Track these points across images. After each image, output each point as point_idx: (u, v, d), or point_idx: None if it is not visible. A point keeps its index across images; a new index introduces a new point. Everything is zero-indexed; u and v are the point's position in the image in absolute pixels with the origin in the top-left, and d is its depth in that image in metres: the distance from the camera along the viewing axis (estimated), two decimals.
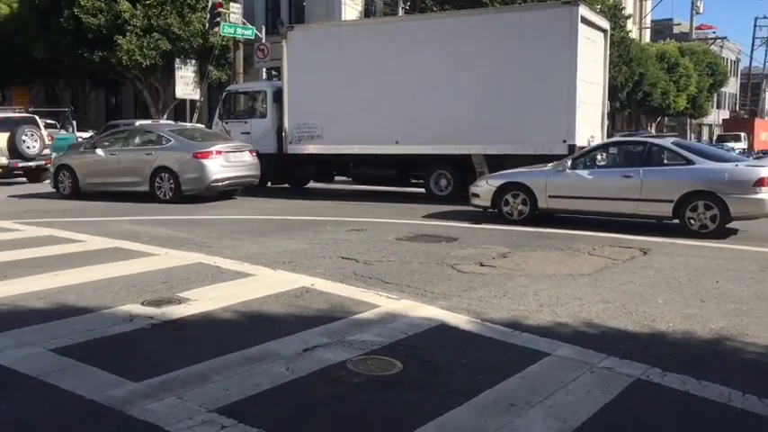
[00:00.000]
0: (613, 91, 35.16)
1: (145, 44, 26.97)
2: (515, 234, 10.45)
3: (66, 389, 4.27)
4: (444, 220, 11.81)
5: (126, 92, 36.83)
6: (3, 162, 18.38)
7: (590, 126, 14.68)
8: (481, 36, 14.50)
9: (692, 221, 10.53)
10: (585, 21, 14.13)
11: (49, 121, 24.78)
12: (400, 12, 30.80)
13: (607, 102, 16.19)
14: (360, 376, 4.61)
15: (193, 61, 28.30)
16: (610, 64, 17.14)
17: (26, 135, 18.63)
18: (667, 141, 11.34)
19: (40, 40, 28.20)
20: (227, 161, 14.71)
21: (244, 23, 24.51)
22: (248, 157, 15.38)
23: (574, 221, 11.78)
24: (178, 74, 27.66)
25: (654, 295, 6.84)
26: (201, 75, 28.14)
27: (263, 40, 26.29)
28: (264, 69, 27.54)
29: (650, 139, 11.51)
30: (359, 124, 14.92)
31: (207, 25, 25.31)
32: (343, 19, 29.19)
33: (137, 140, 15.57)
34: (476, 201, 12.36)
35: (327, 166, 17.17)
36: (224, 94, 18.44)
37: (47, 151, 19.05)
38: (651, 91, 44.13)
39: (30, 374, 4.50)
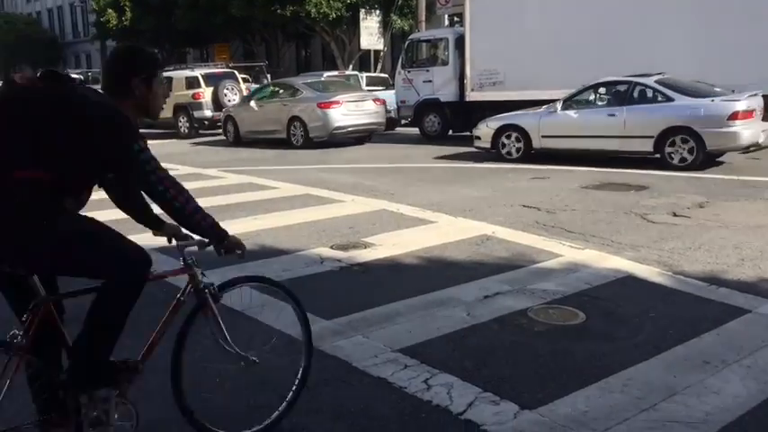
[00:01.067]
0: None
1: None
2: (714, 183, 9.68)
3: (265, 322, 4.64)
4: (633, 167, 11.19)
5: (315, 44, 38.32)
6: (207, 114, 20.00)
7: None
8: None
9: (672, 156, 10.95)
10: None
11: (243, 76, 26.53)
12: None
13: None
14: (541, 325, 4.58)
15: (377, 11, 28.73)
16: None
17: (227, 89, 20.09)
18: (651, 80, 11.41)
19: None
20: (348, 110, 15.83)
21: None
22: (372, 106, 16.39)
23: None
24: (363, 24, 28.23)
25: None
26: (385, 25, 28.55)
27: None
28: (447, 16, 27.31)
29: (635, 78, 11.61)
30: (543, 68, 14.33)
31: None
32: None
33: (280, 93, 17.38)
34: (477, 143, 13.09)
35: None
36: (406, 43, 18.58)
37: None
38: None
39: (234, 308, 4.94)
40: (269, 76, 26.55)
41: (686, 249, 6.25)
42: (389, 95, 19.06)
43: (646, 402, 3.48)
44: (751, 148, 10.96)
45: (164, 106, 3.11)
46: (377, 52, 29.51)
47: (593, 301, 4.98)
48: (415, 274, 5.81)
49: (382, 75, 25.68)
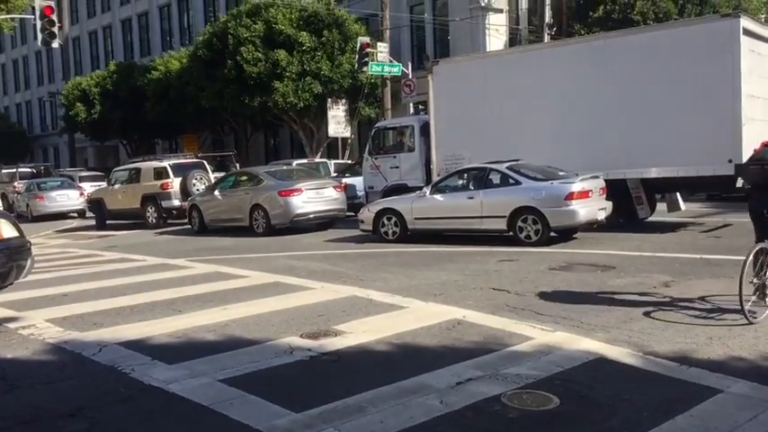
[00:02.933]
0: None
1: (300, 87, 28.49)
2: (679, 261, 9.85)
3: (235, 418, 4.51)
4: (598, 249, 11.37)
5: (283, 134, 38.91)
6: (176, 204, 19.99)
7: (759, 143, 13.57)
8: (634, 56, 13.91)
9: (521, 232, 12.11)
10: (749, 33, 13.18)
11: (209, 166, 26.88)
12: (546, 38, 30.38)
13: None
14: (515, 411, 4.52)
15: (344, 100, 29.47)
16: None
17: (195, 179, 20.18)
18: (503, 166, 12.79)
19: (207, 90, 30.60)
20: (309, 197, 16.33)
21: (391, 61, 25.24)
22: (333, 192, 16.93)
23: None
24: (330, 113, 28.89)
25: None
26: (352, 113, 29.23)
27: (410, 76, 26.90)
28: (412, 104, 28.13)
29: (489, 165, 13.00)
30: (507, 154, 14.73)
31: (356, 66, 26.33)
32: (488, 50, 29.23)
33: (243, 182, 17.89)
34: (362, 226, 14.28)
35: None
36: (373, 130, 18.97)
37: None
38: None
39: (202, 403, 4.81)
40: (237, 165, 26.80)
41: (655, 329, 6.29)
42: (358, 181, 19.33)
43: None
44: (594, 225, 12.45)
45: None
46: (344, 140, 30.08)
47: (566, 385, 4.95)
48: (387, 362, 5.73)
49: (349, 161, 26.10)
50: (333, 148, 31.71)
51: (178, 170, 20.37)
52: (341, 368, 5.61)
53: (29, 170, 36.07)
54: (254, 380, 5.28)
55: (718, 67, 12.87)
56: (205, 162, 22.08)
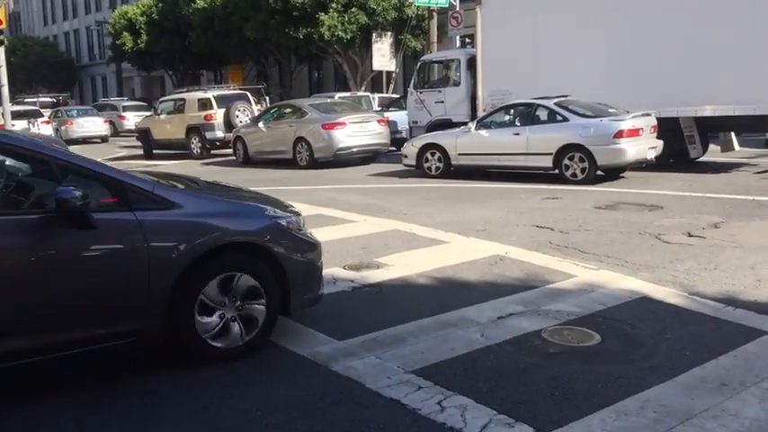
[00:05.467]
0: None
1: (345, 19, 28.06)
2: (729, 202, 9.61)
3: (280, 344, 4.63)
4: (647, 188, 11.14)
5: (327, 66, 38.59)
6: (219, 135, 20.21)
7: None
8: None
9: (567, 170, 11.94)
10: None
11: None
12: None
13: None
14: (555, 346, 4.54)
15: (389, 33, 28.94)
16: None
17: (239, 110, 20.31)
18: (550, 102, 12.49)
19: (251, 20, 30.36)
20: (353, 131, 16.18)
21: None
22: (376, 127, 16.77)
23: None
24: (375, 46, 28.44)
25: None
26: (397, 46, 28.73)
27: (457, 8, 26.17)
28: (458, 37, 27.46)
29: (536, 101, 12.71)
30: (555, 91, 14.38)
31: None
32: None
33: (287, 114, 17.84)
34: (405, 161, 14.18)
35: None
36: (418, 64, 18.67)
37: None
38: None
39: None
40: (268, 98, 26.73)
41: (701, 270, 6.20)
42: (401, 116, 19.16)
43: (663, 425, 3.44)
44: (644, 164, 12.19)
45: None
46: (389, 73, 29.68)
47: (608, 323, 4.94)
48: (428, 295, 5.78)
49: (394, 95, 25.81)
50: (377, 81, 31.34)
51: (222, 101, 20.49)
52: (383, 299, 5.68)
53: (49, 100, 38.36)
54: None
55: None
56: (248, 93, 22.12)
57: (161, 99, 24.57)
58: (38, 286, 3.79)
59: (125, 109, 35.73)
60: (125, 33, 40.83)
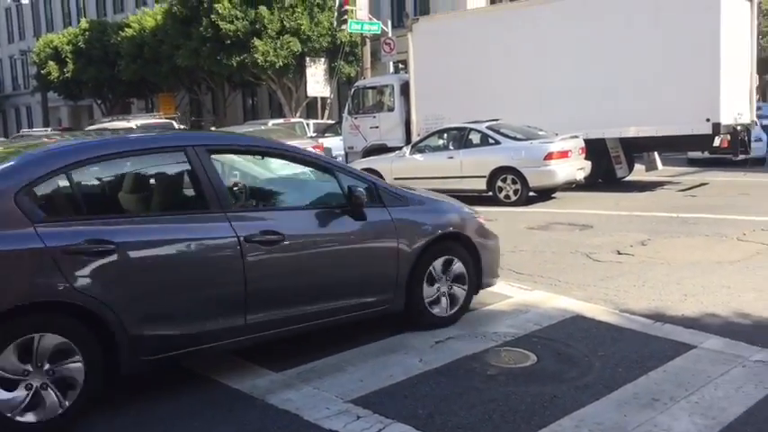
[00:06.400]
0: (763, 64, 32.52)
1: (278, 46, 28.05)
2: (655, 220, 9.95)
3: (214, 378, 4.52)
4: (577, 208, 11.44)
5: (261, 93, 38.43)
6: None
7: (736, 102, 13.68)
8: (615, 12, 13.84)
9: (501, 192, 12.36)
10: None
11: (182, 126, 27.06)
12: None
13: (756, 76, 14.99)
14: (493, 368, 4.57)
15: (323, 59, 29.08)
16: (758, 35, 15.86)
17: None
18: (482, 125, 12.86)
19: (183, 48, 30.04)
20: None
21: (370, 19, 24.86)
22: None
23: (722, 206, 11.05)
24: (309, 72, 28.52)
25: None
26: (331, 72, 28.88)
27: (389, 34, 26.54)
28: (391, 63, 27.81)
29: (469, 125, 13.10)
30: (486, 114, 14.70)
31: (335, 23, 25.93)
32: (468, 8, 28.92)
33: None
34: None
35: None
36: (352, 89, 18.79)
37: None
38: None
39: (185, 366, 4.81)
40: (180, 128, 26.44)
41: (631, 287, 6.37)
42: (337, 142, 19.22)
43: None
44: (573, 185, 12.60)
45: None
46: (324, 99, 29.77)
47: (544, 342, 5.01)
48: (367, 321, 5.74)
49: (330, 121, 25.88)
50: (312, 107, 31.39)
51: (146, 131, 20.22)
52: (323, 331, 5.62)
53: None
54: None
55: (699, 25, 12.87)
56: (174, 122, 21.94)
57: (85, 129, 24.07)
58: (337, 262, 4.84)
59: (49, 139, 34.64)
60: (50, 62, 39.73)
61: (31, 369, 3.61)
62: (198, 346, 4.25)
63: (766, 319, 5.34)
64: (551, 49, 14.54)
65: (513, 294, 6.27)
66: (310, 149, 16.65)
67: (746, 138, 14.36)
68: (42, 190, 3.89)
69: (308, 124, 23.47)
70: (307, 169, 5.26)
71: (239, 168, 5.40)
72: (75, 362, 3.72)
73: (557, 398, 4.06)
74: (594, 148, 13.59)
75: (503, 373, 4.51)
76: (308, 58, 28.55)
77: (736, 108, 13.60)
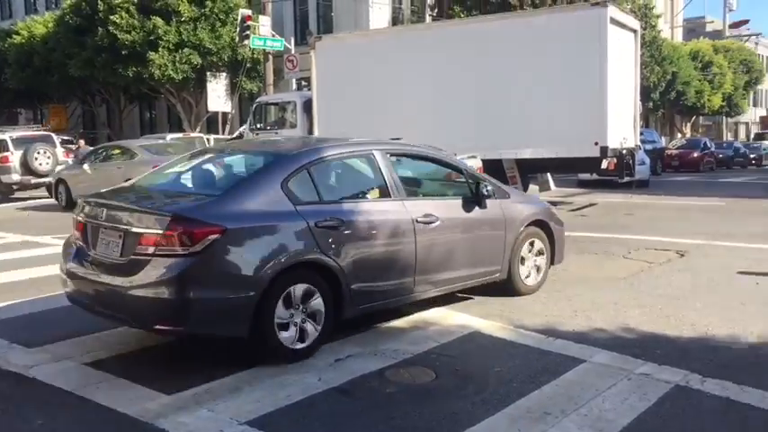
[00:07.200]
0: (646, 92, 34.62)
1: (177, 59, 27.38)
2: None
3: (103, 403, 4.30)
4: None
5: (160, 106, 37.37)
6: (15, 179, 19.16)
7: (622, 128, 14.46)
8: (509, 41, 14.40)
9: None
10: (615, 22, 13.93)
11: (65, 138, 26.03)
12: (427, 19, 30.78)
13: (639, 103, 15.93)
14: (392, 386, 4.58)
15: (224, 74, 28.63)
16: (641, 64, 16.89)
17: (38, 152, 19.30)
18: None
19: (76, 57, 28.83)
20: None
21: (273, 35, 24.73)
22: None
23: (609, 226, 11.60)
24: (210, 87, 28.00)
25: (692, 299, 6.69)
26: (233, 87, 28.45)
27: (293, 51, 26.49)
28: (294, 80, 27.74)
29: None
30: (389, 133, 14.86)
31: (237, 39, 25.60)
32: (371, 27, 29.29)
33: (114, 155, 17.03)
34: None
35: None
36: (254, 105, 18.63)
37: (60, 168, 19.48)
38: (685, 90, 43.31)
39: (64, 388, 4.55)
40: (82, 141, 25.31)
41: (526, 304, 6.56)
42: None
43: None
44: None
45: None
46: (225, 114, 29.28)
47: (442, 359, 5.07)
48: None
49: (231, 137, 25.43)
50: (213, 122, 30.78)
51: (20, 143, 19.47)
52: (215, 348, 5.46)
53: None
54: (122, 362, 5.06)
55: (587, 54, 13.54)
56: (53, 135, 21.19)
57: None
58: (469, 238, 6.24)
59: None
60: None
61: (293, 312, 4.98)
62: (385, 300, 5.66)
63: (650, 334, 5.62)
64: (451, 72, 14.91)
65: (412, 311, 6.31)
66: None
67: (631, 161, 15.20)
68: (295, 181, 5.22)
69: (208, 139, 22.95)
70: (445, 169, 6.80)
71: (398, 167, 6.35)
72: (316, 299, 5.09)
73: (455, 414, 4.10)
74: (491, 168, 13.98)
75: (402, 390, 4.51)
76: (208, 73, 28.03)
77: (621, 133, 14.38)
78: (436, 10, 30.89)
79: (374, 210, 5.58)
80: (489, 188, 6.31)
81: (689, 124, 52.91)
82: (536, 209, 7.04)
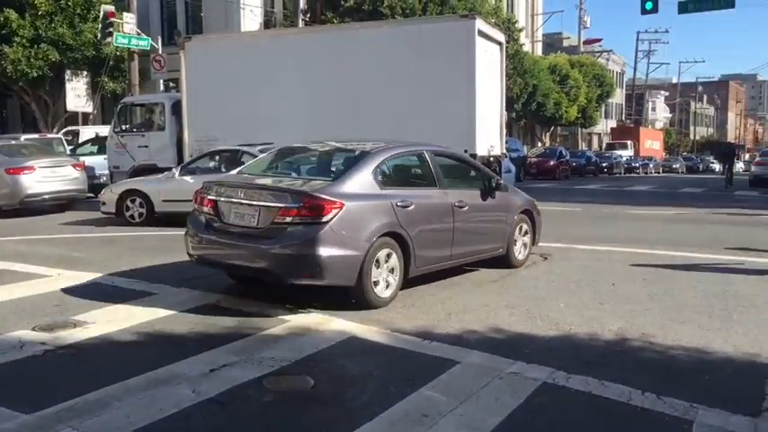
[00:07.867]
0: (509, 102, 36.24)
1: (32, 54, 25.64)
2: None
3: None
4: None
5: (12, 104, 34.84)
6: None
7: (489, 136, 15.05)
8: (383, 47, 14.60)
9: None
10: (482, 34, 14.47)
11: None
12: (300, 23, 30.69)
13: (504, 112, 16.63)
14: (270, 394, 4.50)
15: (86, 72, 27.14)
16: (506, 76, 17.66)
17: None
18: (255, 149, 12.60)
19: None
20: (43, 176, 14.94)
21: (138, 34, 23.74)
22: (72, 171, 15.74)
23: None
24: (69, 86, 26.45)
25: (555, 299, 7.06)
26: (94, 87, 27.00)
27: (160, 51, 25.56)
28: (162, 81, 26.77)
29: (241, 147, 13.01)
30: (258, 137, 14.66)
31: (99, 36, 24.34)
32: (242, 30, 28.80)
33: None
34: (104, 208, 13.45)
35: None
36: (119, 106, 17.72)
37: None
38: (544, 102, 45.87)
39: None
40: None
41: (401, 308, 6.67)
42: (101, 160, 18.02)
43: None
44: None
45: None
46: (86, 115, 27.76)
47: (321, 366, 5.05)
48: (134, 352, 5.40)
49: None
50: (73, 122, 29.05)
51: None
52: (80, 362, 5.16)
53: None
54: None
55: (456, 64, 13.98)
56: None
57: None
58: (486, 220, 8.12)
59: None
60: None
61: (380, 269, 6.61)
62: (434, 264, 7.39)
63: (518, 334, 5.87)
64: (319, 77, 14.92)
65: (290, 318, 6.26)
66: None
67: (498, 169, 15.84)
68: (378, 171, 6.97)
69: (66, 140, 21.69)
70: (466, 166, 8.57)
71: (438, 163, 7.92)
72: (393, 258, 6.74)
73: (334, 420, 4.09)
74: None
75: (280, 399, 4.45)
76: (68, 71, 26.47)
77: (489, 141, 14.96)
78: (309, 15, 30.88)
79: (429, 195, 7.35)
80: (500, 182, 8.28)
81: (548, 134, 55.99)
82: (525, 201, 8.96)
